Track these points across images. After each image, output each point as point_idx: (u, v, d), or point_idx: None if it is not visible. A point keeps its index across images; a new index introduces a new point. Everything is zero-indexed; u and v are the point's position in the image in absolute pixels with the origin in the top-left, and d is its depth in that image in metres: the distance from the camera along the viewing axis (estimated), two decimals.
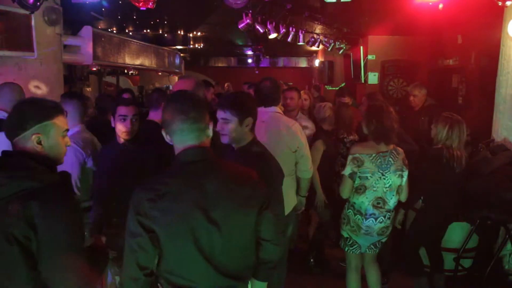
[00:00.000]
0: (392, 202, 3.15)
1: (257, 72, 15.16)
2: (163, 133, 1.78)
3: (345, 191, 3.16)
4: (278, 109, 3.32)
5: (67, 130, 1.84)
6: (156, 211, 1.63)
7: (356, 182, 3.11)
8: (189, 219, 1.65)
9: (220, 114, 2.29)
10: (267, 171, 2.28)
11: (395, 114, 3.18)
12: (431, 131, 3.53)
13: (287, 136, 3.18)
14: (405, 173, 3.16)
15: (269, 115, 3.20)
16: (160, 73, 12.13)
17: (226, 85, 11.01)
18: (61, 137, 1.79)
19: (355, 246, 3.25)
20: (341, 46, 9.61)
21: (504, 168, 3.76)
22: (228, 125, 2.28)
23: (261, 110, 3.06)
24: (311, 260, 4.37)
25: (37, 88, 4.55)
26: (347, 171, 3.11)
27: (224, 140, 2.35)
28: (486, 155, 3.96)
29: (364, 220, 3.13)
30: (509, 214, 3.60)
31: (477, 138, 4.43)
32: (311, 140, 4.00)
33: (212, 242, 1.69)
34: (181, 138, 1.73)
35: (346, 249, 3.31)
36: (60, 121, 1.78)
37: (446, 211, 3.55)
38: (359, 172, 3.08)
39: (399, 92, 8.49)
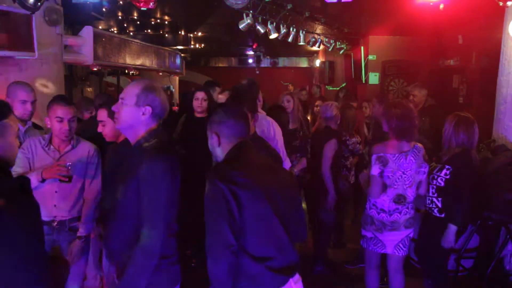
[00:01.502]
0: (412, 196, 3.16)
1: (257, 72, 15.17)
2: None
3: (376, 190, 3.11)
4: None
5: (18, 130, 1.79)
6: None
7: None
8: None
9: None
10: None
11: (415, 111, 3.19)
12: (446, 132, 3.35)
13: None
14: (426, 169, 3.17)
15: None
16: (160, 73, 12.12)
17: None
18: (15, 138, 1.71)
19: (379, 245, 3.23)
20: (342, 46, 9.62)
21: (505, 169, 3.75)
22: None
23: None
24: (317, 263, 4.34)
25: (38, 89, 4.55)
26: (375, 170, 3.08)
27: None
28: (487, 156, 3.96)
29: (389, 216, 3.13)
30: (510, 214, 3.59)
31: (478, 138, 4.42)
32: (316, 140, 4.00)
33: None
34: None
35: (370, 248, 3.25)
36: (13, 121, 1.71)
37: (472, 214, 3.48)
38: (384, 172, 3.08)
39: (400, 93, 8.49)
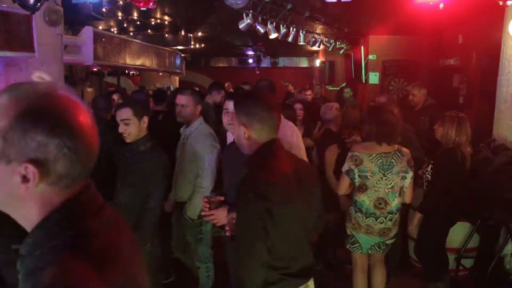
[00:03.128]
0: (394, 204, 3.10)
1: (257, 72, 15.17)
2: None
3: (340, 187, 3.21)
4: None
5: None
6: None
7: (356, 181, 3.10)
8: None
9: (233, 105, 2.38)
10: None
11: (397, 114, 3.15)
12: (437, 132, 3.50)
13: None
14: (409, 175, 3.10)
15: None
16: (161, 74, 12.12)
17: (226, 84, 11.00)
18: None
19: (356, 245, 3.24)
20: (342, 46, 9.61)
21: (505, 168, 3.75)
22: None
23: None
24: (321, 264, 4.33)
25: None
26: (344, 167, 3.13)
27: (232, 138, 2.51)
28: (487, 155, 3.96)
29: (364, 218, 3.12)
30: (510, 214, 3.59)
31: (478, 137, 4.43)
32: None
33: None
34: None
35: (348, 247, 3.30)
36: None
37: (457, 210, 3.56)
38: (359, 171, 3.07)
39: (400, 92, 8.48)
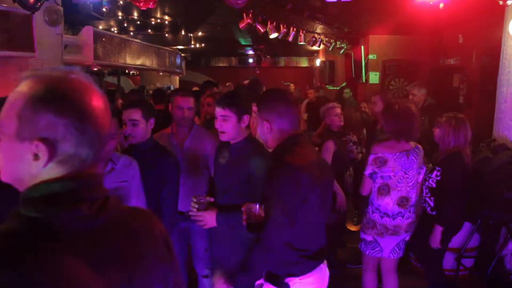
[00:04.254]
0: (414, 198, 3.19)
1: (258, 71, 15.16)
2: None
3: (365, 189, 3.18)
4: None
5: None
6: None
7: (378, 182, 3.11)
8: None
9: (219, 111, 2.35)
10: (263, 165, 2.29)
11: (414, 111, 3.15)
12: (436, 133, 3.42)
13: None
14: (423, 171, 3.21)
15: None
16: (161, 73, 12.12)
17: (227, 84, 11.00)
18: None
19: (377, 249, 3.21)
20: (342, 45, 9.61)
21: (505, 168, 3.75)
22: (227, 122, 2.34)
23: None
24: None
25: None
26: (367, 171, 3.10)
27: (224, 137, 2.40)
28: (487, 155, 3.95)
29: (392, 220, 3.12)
30: (511, 213, 3.59)
31: (478, 137, 4.42)
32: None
33: None
34: None
35: (367, 252, 3.25)
36: None
37: (464, 215, 3.50)
38: (381, 172, 3.06)
39: (400, 92, 8.48)
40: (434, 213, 3.31)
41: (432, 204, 3.33)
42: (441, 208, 3.26)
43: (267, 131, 2.02)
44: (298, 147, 1.97)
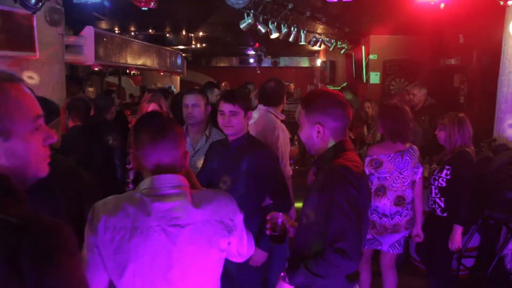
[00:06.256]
0: (410, 197, 3.22)
1: (258, 72, 15.16)
2: None
3: None
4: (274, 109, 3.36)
5: None
6: None
7: (374, 184, 3.14)
8: None
9: (229, 107, 2.48)
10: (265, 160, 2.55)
11: (410, 113, 3.21)
12: (439, 137, 3.39)
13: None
14: (420, 170, 3.24)
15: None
16: (162, 73, 12.13)
17: (223, 84, 10.98)
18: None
19: (376, 243, 3.26)
20: (343, 45, 9.61)
21: (506, 168, 3.75)
22: (236, 117, 2.48)
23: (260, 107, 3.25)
24: None
25: (39, 89, 4.57)
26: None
27: (230, 131, 2.53)
28: (488, 155, 3.95)
29: (391, 220, 3.15)
30: (511, 213, 3.59)
31: (479, 137, 4.42)
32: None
33: None
34: None
35: (366, 247, 3.24)
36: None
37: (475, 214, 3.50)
38: (377, 173, 3.11)
39: (401, 92, 8.48)
40: (445, 214, 3.28)
41: (442, 205, 3.28)
42: (454, 207, 3.21)
43: (315, 136, 1.82)
44: (351, 153, 1.82)
